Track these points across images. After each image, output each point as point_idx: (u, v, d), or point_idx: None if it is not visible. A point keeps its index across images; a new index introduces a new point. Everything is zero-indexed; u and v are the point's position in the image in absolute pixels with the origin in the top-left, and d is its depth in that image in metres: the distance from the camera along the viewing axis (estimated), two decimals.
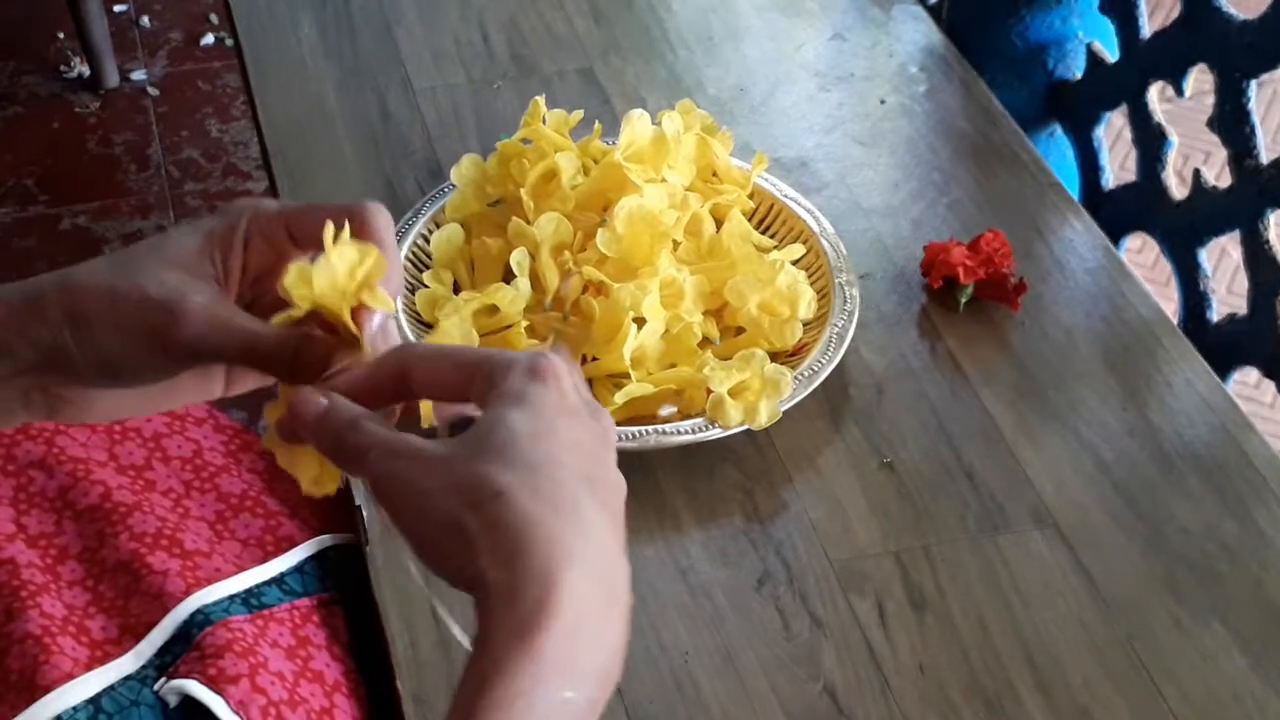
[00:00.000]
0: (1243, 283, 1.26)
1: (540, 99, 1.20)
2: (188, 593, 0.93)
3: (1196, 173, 1.30)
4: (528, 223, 1.14)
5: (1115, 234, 1.37)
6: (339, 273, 0.61)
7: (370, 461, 0.58)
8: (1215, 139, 1.28)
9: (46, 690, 0.86)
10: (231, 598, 0.94)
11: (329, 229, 0.60)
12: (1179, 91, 1.31)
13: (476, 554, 0.55)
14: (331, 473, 0.63)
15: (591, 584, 0.55)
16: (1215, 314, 1.31)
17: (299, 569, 0.99)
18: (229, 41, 2.56)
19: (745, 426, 1.05)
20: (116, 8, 2.65)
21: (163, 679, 0.89)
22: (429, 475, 0.57)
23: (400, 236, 1.18)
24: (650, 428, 1.05)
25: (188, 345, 0.61)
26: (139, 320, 0.62)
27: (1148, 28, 1.35)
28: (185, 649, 0.91)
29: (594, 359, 1.09)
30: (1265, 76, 1.23)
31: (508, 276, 1.12)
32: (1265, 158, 1.22)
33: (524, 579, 0.54)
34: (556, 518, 0.55)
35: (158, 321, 0.61)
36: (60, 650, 0.88)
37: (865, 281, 1.20)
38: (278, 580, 0.97)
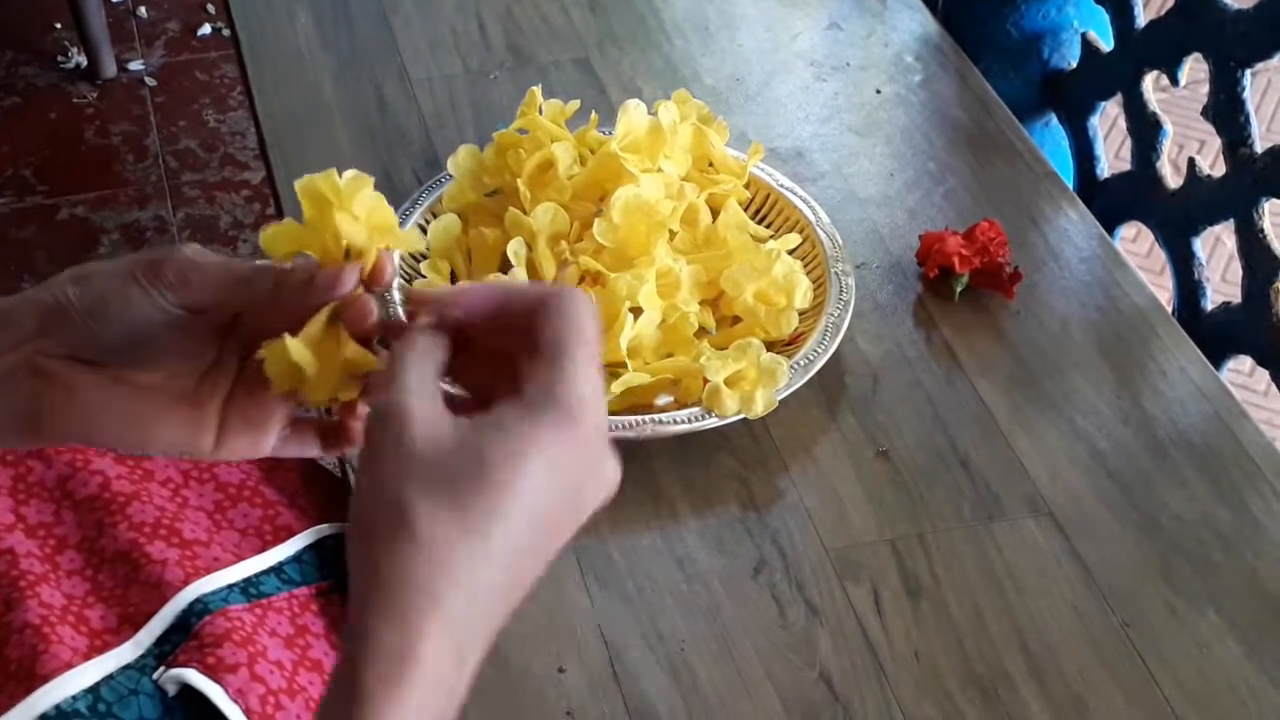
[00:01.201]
0: (1237, 271, 1.26)
1: (537, 89, 1.20)
2: (186, 582, 0.93)
3: (1191, 161, 1.30)
4: (524, 213, 1.14)
5: (1110, 223, 1.37)
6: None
7: None
8: (1210, 128, 1.28)
9: (46, 679, 0.86)
10: (230, 587, 0.94)
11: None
12: (1174, 81, 1.31)
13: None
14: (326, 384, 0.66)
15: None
16: (1209, 302, 1.31)
17: (297, 558, 0.99)
18: (226, 32, 2.56)
19: (741, 415, 1.05)
20: None
21: (161, 668, 0.89)
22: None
23: None
24: (647, 417, 1.05)
25: (179, 273, 0.65)
26: (139, 260, 0.65)
27: (1142, 17, 1.35)
28: (184, 638, 0.91)
29: None
30: (1260, 65, 1.23)
31: (504, 266, 1.13)
32: (1260, 146, 1.22)
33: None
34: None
35: (155, 257, 0.65)
36: (59, 640, 0.88)
37: (861, 271, 1.21)
38: (276, 569, 0.98)
